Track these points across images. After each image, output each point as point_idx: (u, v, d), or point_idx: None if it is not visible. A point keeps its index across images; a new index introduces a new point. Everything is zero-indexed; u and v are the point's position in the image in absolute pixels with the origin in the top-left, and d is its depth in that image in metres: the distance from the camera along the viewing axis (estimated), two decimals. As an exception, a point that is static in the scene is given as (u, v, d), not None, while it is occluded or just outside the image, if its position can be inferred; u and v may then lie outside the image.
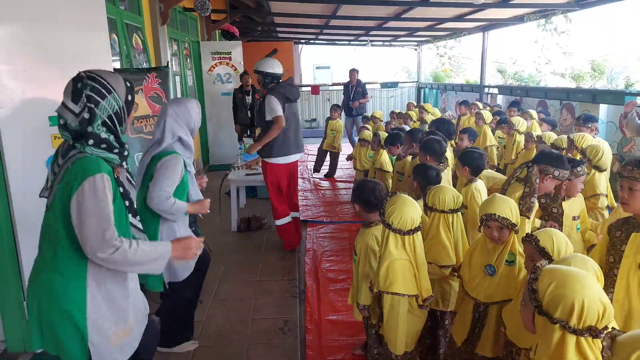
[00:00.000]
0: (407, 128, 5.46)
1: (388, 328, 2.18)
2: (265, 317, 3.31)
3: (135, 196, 1.82)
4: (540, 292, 1.29)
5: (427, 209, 2.34)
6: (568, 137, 3.75)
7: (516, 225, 2.04)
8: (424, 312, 2.24)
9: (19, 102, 2.58)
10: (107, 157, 1.63)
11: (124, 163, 1.71)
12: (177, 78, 7.08)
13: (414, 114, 7.00)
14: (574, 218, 2.76)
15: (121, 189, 1.69)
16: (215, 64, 8.18)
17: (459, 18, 8.26)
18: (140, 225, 1.83)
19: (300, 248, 4.64)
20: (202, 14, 5.29)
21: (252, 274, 4.02)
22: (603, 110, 6.34)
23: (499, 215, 2.03)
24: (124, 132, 1.73)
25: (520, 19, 8.10)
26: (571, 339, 1.23)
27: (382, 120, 7.43)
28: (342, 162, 8.20)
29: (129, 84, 1.74)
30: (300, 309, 3.45)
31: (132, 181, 1.83)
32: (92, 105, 1.59)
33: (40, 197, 1.74)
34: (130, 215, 1.76)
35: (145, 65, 5.26)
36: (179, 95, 7.03)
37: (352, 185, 6.56)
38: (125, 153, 1.71)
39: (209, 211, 2.74)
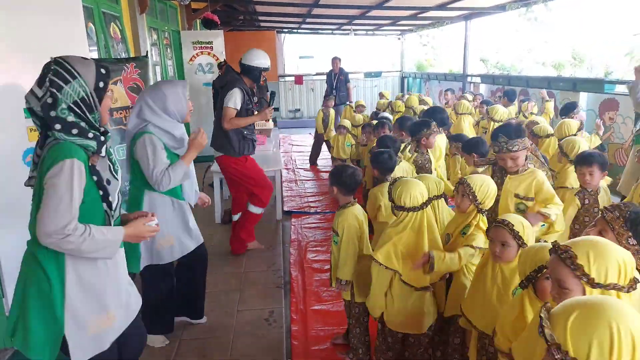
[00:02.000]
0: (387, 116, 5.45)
1: (371, 295, 2.32)
2: (250, 309, 3.30)
3: (117, 187, 1.78)
4: (585, 266, 1.27)
5: (396, 207, 2.26)
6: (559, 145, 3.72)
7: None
8: (413, 299, 2.24)
9: (-9, 94, 2.50)
10: (82, 144, 1.60)
11: (101, 150, 1.66)
12: (157, 68, 6.96)
13: (398, 104, 6.99)
14: (516, 195, 2.66)
15: (95, 177, 1.65)
16: (197, 54, 8.05)
17: (442, 7, 8.26)
18: (112, 218, 1.77)
19: (285, 239, 4.62)
20: (181, 2, 5.18)
21: (236, 265, 4.00)
22: (583, 98, 6.43)
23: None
24: (99, 120, 1.69)
25: (502, 8, 8.14)
26: (625, 297, 1.25)
27: (365, 108, 7.43)
28: (325, 152, 8.26)
29: (103, 71, 1.68)
30: (286, 299, 3.44)
31: (115, 171, 1.78)
32: (55, 90, 1.56)
33: (25, 185, 1.73)
34: (105, 204, 1.70)
35: (124, 55, 5.14)
36: (159, 85, 6.91)
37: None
38: (102, 139, 1.66)
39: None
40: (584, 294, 1.27)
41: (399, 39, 14.59)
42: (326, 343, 2.91)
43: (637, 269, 1.41)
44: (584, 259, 1.27)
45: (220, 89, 3.91)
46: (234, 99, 3.75)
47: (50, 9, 2.71)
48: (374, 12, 9.41)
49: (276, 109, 9.51)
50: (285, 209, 5.48)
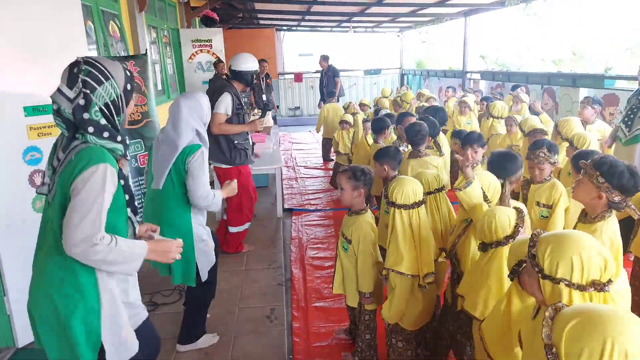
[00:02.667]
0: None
1: (393, 305, 2.26)
2: (251, 306, 3.31)
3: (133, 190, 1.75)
4: (540, 256, 1.31)
5: (388, 203, 2.25)
6: (555, 124, 3.83)
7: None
8: (425, 294, 2.26)
9: (-10, 92, 2.50)
10: (111, 148, 1.57)
11: (127, 153, 1.65)
12: (157, 66, 6.94)
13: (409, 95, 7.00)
14: (537, 204, 2.81)
15: (122, 182, 1.62)
16: (196, 52, 8.04)
17: (441, 3, 8.24)
18: (136, 224, 1.75)
19: (286, 236, 4.63)
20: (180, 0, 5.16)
21: (238, 263, 4.00)
22: (583, 93, 6.42)
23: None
24: (122, 123, 1.66)
25: (501, 4, 8.11)
26: (577, 296, 1.24)
27: (370, 107, 7.41)
28: (319, 149, 8.33)
29: (129, 73, 1.66)
30: (287, 296, 3.45)
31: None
32: (88, 91, 1.53)
33: (37, 193, 1.68)
34: (129, 210, 1.67)
35: (123, 54, 5.14)
36: (158, 84, 6.90)
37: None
38: (128, 142, 1.66)
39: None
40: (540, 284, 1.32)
41: (398, 36, 14.57)
42: (327, 340, 2.92)
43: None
44: (541, 251, 1.31)
45: (210, 96, 3.86)
46: (225, 105, 3.73)
47: (50, 8, 2.70)
48: (373, 9, 9.38)
49: (276, 107, 9.55)
50: (286, 206, 5.48)
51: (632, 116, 3.94)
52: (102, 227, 1.50)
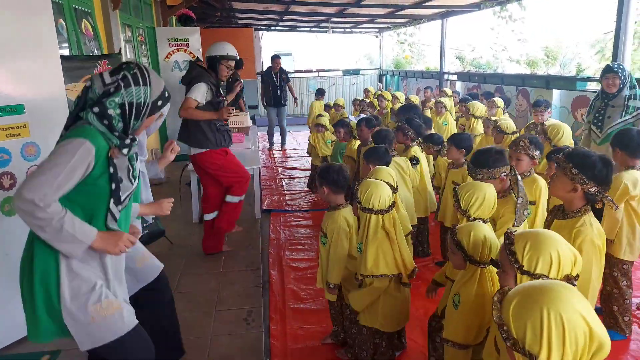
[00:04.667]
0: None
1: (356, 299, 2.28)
2: (229, 309, 3.27)
3: (128, 190, 1.76)
4: (519, 253, 1.36)
5: (360, 208, 2.22)
6: (542, 126, 3.90)
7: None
8: (403, 292, 2.28)
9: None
10: (106, 133, 1.64)
11: (124, 149, 1.68)
12: (132, 66, 6.82)
13: (376, 102, 7.04)
14: None
15: (111, 169, 1.66)
16: (172, 51, 7.93)
17: (418, 5, 8.32)
18: (117, 213, 1.74)
19: (264, 238, 4.60)
20: (156, -2, 5.09)
21: (215, 265, 3.96)
22: (556, 95, 6.57)
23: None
24: (136, 129, 1.74)
25: (477, 6, 8.24)
26: None
27: (344, 108, 7.44)
28: (296, 150, 8.33)
29: (167, 94, 1.79)
30: (265, 298, 3.43)
31: (133, 176, 1.78)
32: (122, 85, 1.64)
33: None
34: (112, 201, 1.69)
35: (96, 52, 5.03)
36: (134, 83, 6.78)
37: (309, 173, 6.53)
38: (127, 141, 1.69)
39: (168, 212, 2.42)
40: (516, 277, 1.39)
41: (376, 36, 14.66)
42: (305, 342, 2.91)
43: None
44: (520, 247, 1.38)
45: (187, 84, 3.81)
46: (198, 92, 3.68)
47: (17, 5, 2.62)
48: (351, 10, 9.42)
49: (253, 107, 9.45)
50: (264, 207, 5.46)
51: (600, 118, 4.09)
52: (55, 194, 1.54)
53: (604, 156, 1.95)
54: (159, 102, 1.76)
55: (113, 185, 1.67)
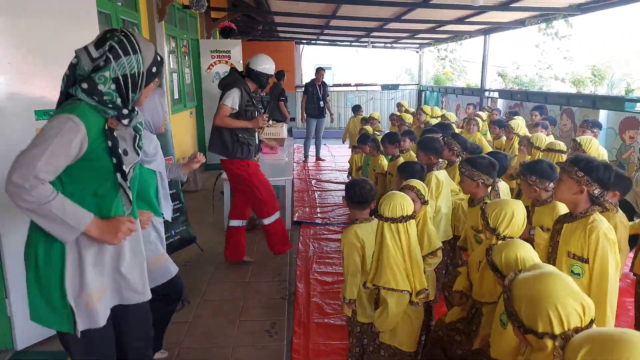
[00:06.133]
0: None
1: (381, 321, 2.19)
2: (252, 319, 3.26)
3: (133, 161, 1.68)
4: (518, 312, 1.29)
5: (375, 215, 2.22)
6: (574, 139, 3.76)
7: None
8: (417, 311, 2.22)
9: (3, 96, 2.53)
10: (99, 107, 1.56)
11: (123, 120, 1.60)
12: (175, 75, 7.04)
13: (407, 117, 6.92)
14: (541, 228, 2.67)
15: (109, 143, 1.57)
16: (214, 62, 8.13)
17: (460, 20, 8.21)
18: (128, 190, 1.67)
19: (293, 249, 4.58)
20: (198, 10, 5.25)
21: (242, 274, 3.97)
22: (603, 116, 6.29)
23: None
24: (136, 100, 1.66)
25: (521, 23, 8.05)
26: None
27: (379, 122, 7.38)
28: (330, 163, 8.33)
29: (159, 59, 1.68)
30: (289, 311, 3.40)
31: (138, 146, 1.70)
32: (111, 56, 1.54)
33: None
34: (119, 175, 1.62)
35: (140, 62, 5.21)
36: (175, 92, 6.98)
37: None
38: (126, 112, 1.60)
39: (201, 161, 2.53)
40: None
41: (417, 52, 14.56)
42: (327, 358, 2.85)
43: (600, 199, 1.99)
44: (517, 306, 1.31)
45: (222, 89, 3.87)
46: (232, 98, 3.71)
47: (65, 14, 2.75)
48: (392, 25, 9.40)
49: (292, 119, 9.56)
50: (295, 219, 5.45)
51: None
52: (43, 173, 1.45)
53: (605, 162, 2.10)
54: (153, 69, 1.65)
55: (114, 160, 1.59)
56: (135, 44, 1.59)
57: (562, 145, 3.84)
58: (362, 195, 2.39)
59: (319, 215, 5.75)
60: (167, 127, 4.42)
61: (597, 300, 1.91)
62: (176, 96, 7.05)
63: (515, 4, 6.50)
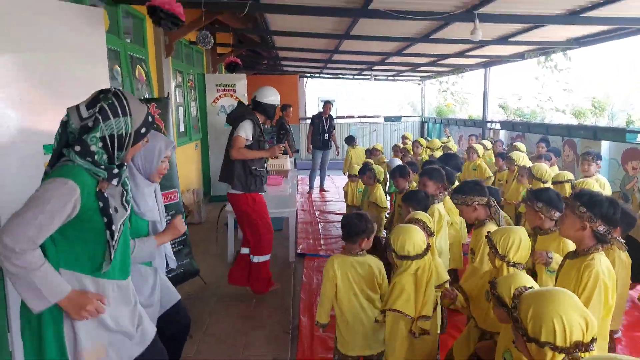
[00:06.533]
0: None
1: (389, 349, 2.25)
2: (254, 354, 3.21)
3: (123, 217, 1.70)
4: (522, 319, 1.32)
5: (397, 257, 2.24)
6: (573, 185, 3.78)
7: None
8: (425, 340, 2.21)
9: (13, 130, 2.59)
10: (92, 169, 1.58)
11: (113, 180, 1.63)
12: (181, 109, 7.17)
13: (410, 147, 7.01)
14: None
15: (101, 203, 1.60)
16: (220, 96, 8.29)
17: (460, 54, 8.38)
18: (112, 248, 1.67)
19: (297, 282, 4.55)
20: (204, 47, 5.39)
21: (245, 307, 3.93)
22: (605, 147, 6.32)
23: None
24: (122, 159, 1.68)
25: (520, 56, 8.20)
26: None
27: (382, 153, 7.44)
28: (334, 194, 8.59)
29: (150, 119, 1.71)
30: (292, 346, 3.35)
31: (126, 201, 1.73)
32: (100, 118, 1.57)
33: None
34: (108, 232, 1.63)
35: (147, 96, 5.32)
36: (181, 125, 7.09)
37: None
38: (115, 171, 1.64)
39: (183, 229, 2.34)
40: None
41: (419, 84, 14.79)
42: (331, 394, 2.79)
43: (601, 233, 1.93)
44: (523, 313, 1.34)
45: (232, 122, 3.93)
46: (245, 130, 3.77)
47: (75, 51, 2.84)
48: (393, 59, 9.59)
49: (296, 151, 9.66)
50: (299, 250, 5.43)
51: None
52: (36, 238, 1.47)
53: (611, 197, 2.04)
54: (143, 130, 1.68)
55: (105, 219, 1.62)
56: (126, 106, 1.62)
57: (568, 175, 3.87)
58: (350, 230, 2.45)
59: (323, 247, 5.72)
60: (173, 160, 4.48)
61: None
62: (182, 129, 7.16)
63: (514, 38, 6.64)
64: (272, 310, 3.89)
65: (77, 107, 1.61)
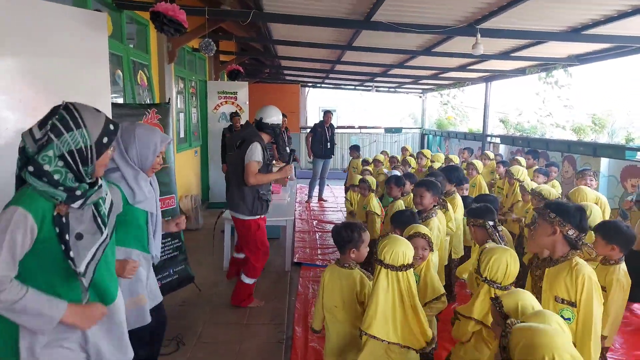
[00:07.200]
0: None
1: None
2: (248, 363, 3.19)
3: (95, 242, 1.61)
4: (511, 349, 1.31)
5: (376, 260, 2.21)
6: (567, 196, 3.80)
7: None
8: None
9: (13, 133, 2.59)
10: (49, 192, 1.50)
11: (75, 202, 1.54)
12: (182, 115, 7.19)
13: (412, 161, 7.00)
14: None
15: (57, 229, 1.51)
16: (221, 103, 8.32)
17: (462, 68, 8.42)
18: (84, 279, 1.59)
19: (292, 291, 4.53)
20: (207, 54, 5.41)
21: (239, 316, 3.91)
22: (604, 163, 6.33)
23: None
24: (91, 173, 1.59)
25: (521, 71, 8.24)
26: None
27: (383, 164, 7.44)
28: (333, 203, 8.55)
29: (112, 127, 1.61)
30: (285, 356, 3.32)
31: (102, 223, 1.65)
32: (53, 135, 1.50)
33: None
34: (70, 262, 1.53)
35: (149, 101, 5.34)
36: (181, 131, 7.10)
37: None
38: (78, 193, 1.54)
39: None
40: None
41: (420, 97, 14.84)
42: (323, 406, 2.76)
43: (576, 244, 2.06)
44: (512, 345, 1.35)
45: (238, 145, 3.81)
46: (257, 153, 3.68)
47: (77, 55, 2.85)
48: (395, 71, 9.65)
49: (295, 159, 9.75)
50: (295, 260, 5.41)
51: None
52: (6, 271, 1.44)
53: (579, 205, 2.20)
54: (104, 139, 1.58)
55: (63, 246, 1.52)
56: (78, 118, 1.53)
57: (552, 194, 3.89)
58: (340, 238, 2.45)
59: (319, 256, 5.70)
60: (171, 165, 4.48)
61: (582, 343, 1.96)
62: (182, 135, 7.17)
63: (515, 53, 6.68)
64: (265, 319, 3.86)
65: (30, 129, 1.53)
